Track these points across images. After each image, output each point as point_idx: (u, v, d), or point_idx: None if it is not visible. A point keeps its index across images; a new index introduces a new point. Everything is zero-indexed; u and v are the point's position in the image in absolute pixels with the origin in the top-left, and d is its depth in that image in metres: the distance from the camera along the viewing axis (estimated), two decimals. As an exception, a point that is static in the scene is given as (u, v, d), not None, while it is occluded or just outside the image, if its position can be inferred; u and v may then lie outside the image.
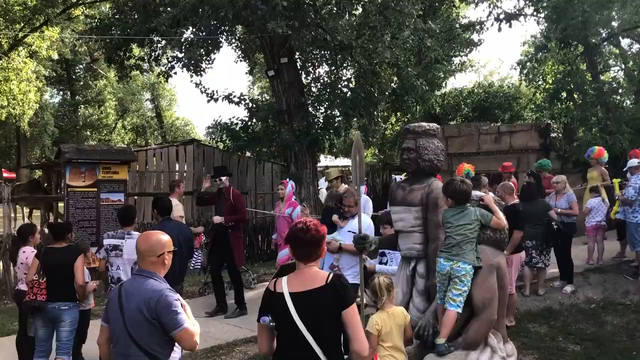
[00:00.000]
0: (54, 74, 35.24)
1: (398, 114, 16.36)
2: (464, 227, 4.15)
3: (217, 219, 8.31)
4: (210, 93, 11.76)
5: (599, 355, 6.48)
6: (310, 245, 3.07)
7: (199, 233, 9.02)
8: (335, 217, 6.34)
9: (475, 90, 19.45)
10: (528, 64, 17.30)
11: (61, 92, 39.76)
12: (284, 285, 2.99)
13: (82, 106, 38.57)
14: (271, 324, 3.01)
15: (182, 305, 3.18)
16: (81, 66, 37.49)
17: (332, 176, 9.14)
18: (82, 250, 5.66)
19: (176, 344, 3.21)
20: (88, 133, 39.50)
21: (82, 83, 38.25)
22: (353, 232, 5.51)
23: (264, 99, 20.11)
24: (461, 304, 4.06)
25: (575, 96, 14.92)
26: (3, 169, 37.95)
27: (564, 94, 15.04)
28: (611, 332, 7.27)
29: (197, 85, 11.43)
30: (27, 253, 5.99)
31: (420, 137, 4.84)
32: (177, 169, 16.46)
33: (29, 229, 6.33)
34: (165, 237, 3.38)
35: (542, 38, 16.76)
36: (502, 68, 75.87)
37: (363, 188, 8.98)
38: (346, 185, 8.49)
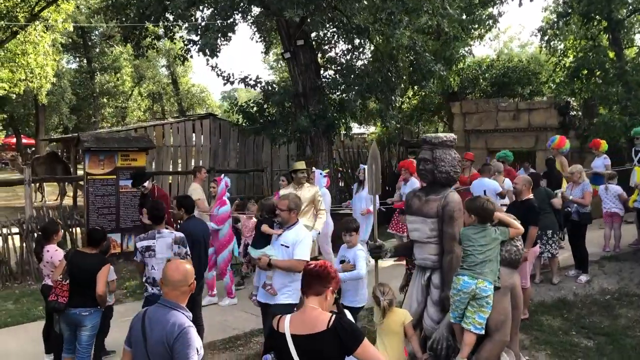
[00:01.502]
0: (70, 41, 35.27)
1: (415, 87, 16.16)
2: (486, 247, 4.18)
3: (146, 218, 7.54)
4: (227, 76, 11.73)
5: (612, 352, 6.51)
6: (314, 278, 3.13)
7: None
8: (265, 227, 5.68)
9: (495, 64, 19.10)
10: (549, 30, 16.91)
11: (77, 59, 39.82)
12: (286, 326, 3.02)
13: (99, 73, 38.63)
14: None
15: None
16: (97, 32, 37.38)
17: (295, 167, 8.42)
18: (108, 261, 5.74)
19: None
20: (105, 100, 39.69)
21: (97, 50, 38.22)
22: (286, 246, 5.27)
23: (281, 79, 19.93)
24: (484, 327, 4.13)
25: (597, 73, 14.60)
26: (22, 135, 38.52)
27: (585, 71, 14.72)
28: (625, 325, 7.28)
29: (212, 68, 11.39)
30: (52, 252, 6.12)
31: (437, 148, 4.84)
32: (193, 143, 16.59)
33: (53, 228, 6.44)
34: (190, 267, 3.45)
35: (564, 5, 16.31)
36: (523, 34, 74.41)
37: (325, 181, 8.95)
38: (308, 185, 8.23)
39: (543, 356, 6.42)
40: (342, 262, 5.85)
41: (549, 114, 14.62)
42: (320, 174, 8.98)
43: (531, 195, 7.27)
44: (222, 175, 9.27)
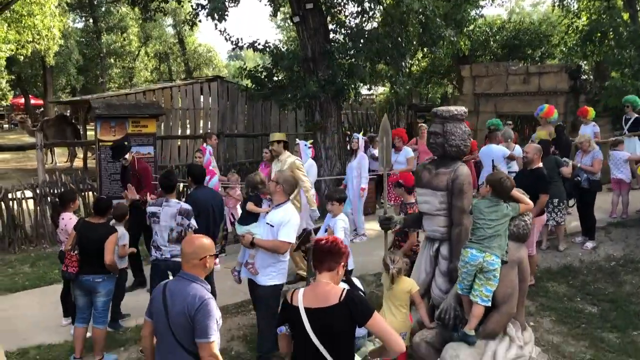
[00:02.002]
0: (76, 0, 34.90)
1: (425, 50, 16.00)
2: (496, 222, 4.26)
3: (131, 193, 7.55)
4: (235, 40, 11.64)
5: (616, 318, 6.64)
6: (326, 254, 3.22)
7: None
8: (250, 205, 5.50)
9: (506, 26, 18.80)
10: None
11: (83, 19, 39.40)
12: (300, 299, 3.14)
13: (105, 33, 38.30)
14: (288, 331, 3.24)
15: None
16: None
17: (274, 138, 8.21)
18: (115, 230, 5.83)
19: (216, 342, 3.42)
20: (112, 61, 39.48)
21: (103, 9, 37.77)
22: (271, 225, 5.12)
23: (288, 38, 19.66)
24: (490, 299, 4.24)
25: (610, 36, 14.37)
26: (30, 96, 38.51)
27: (598, 34, 14.48)
28: (629, 292, 7.40)
29: (221, 32, 11.29)
30: (66, 220, 6.26)
31: (448, 122, 4.87)
32: (201, 105, 16.61)
33: (70, 196, 6.56)
34: (207, 241, 3.54)
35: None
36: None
37: (310, 152, 8.84)
38: (288, 153, 8.04)
39: (547, 322, 6.57)
40: (326, 230, 5.98)
41: (560, 77, 14.47)
42: (305, 145, 8.76)
43: (541, 164, 7.29)
44: (205, 144, 9.12)
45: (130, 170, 7.89)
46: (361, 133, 10.57)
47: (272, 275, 5.19)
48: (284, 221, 5.08)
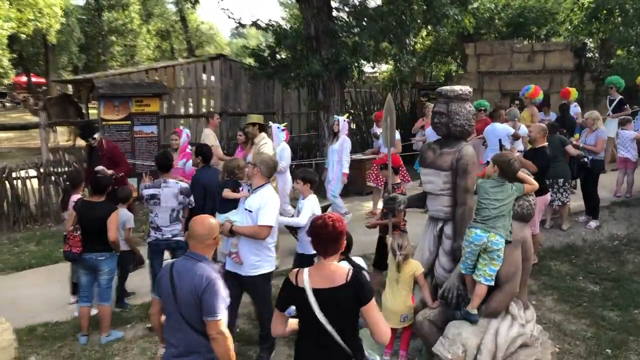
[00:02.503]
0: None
1: (429, 27, 15.86)
2: (501, 202, 4.26)
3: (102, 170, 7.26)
4: (238, 19, 11.58)
5: (617, 297, 6.68)
6: (328, 240, 3.20)
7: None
8: (226, 192, 5.36)
9: (511, 3, 18.58)
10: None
11: (84, -4, 39.13)
12: (305, 280, 3.15)
13: (106, 11, 38.05)
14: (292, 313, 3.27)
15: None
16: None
17: (250, 120, 8.12)
18: (115, 208, 5.85)
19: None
20: (114, 39, 39.30)
21: (104, -14, 37.53)
22: (249, 211, 4.91)
23: (291, 16, 19.46)
24: (494, 279, 4.28)
25: (616, 14, 14.21)
26: (33, 74, 38.42)
27: (604, 12, 14.32)
28: (632, 271, 7.44)
29: (224, 10, 11.25)
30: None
31: (452, 101, 4.84)
32: (204, 84, 16.55)
33: (79, 177, 6.60)
34: (215, 221, 3.60)
35: None
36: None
37: (283, 135, 8.59)
38: (264, 135, 7.96)
39: (549, 300, 6.63)
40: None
41: (565, 55, 14.38)
42: (278, 127, 8.56)
43: (545, 144, 7.27)
44: (181, 126, 8.80)
45: (99, 150, 7.78)
46: (345, 115, 10.28)
47: (257, 264, 4.95)
48: (262, 205, 4.84)
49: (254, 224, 4.87)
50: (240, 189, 5.43)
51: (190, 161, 7.86)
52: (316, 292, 3.11)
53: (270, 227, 4.86)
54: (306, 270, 3.23)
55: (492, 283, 4.28)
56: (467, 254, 4.34)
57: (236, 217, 5.01)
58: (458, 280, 4.61)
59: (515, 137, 9.07)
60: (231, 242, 5.01)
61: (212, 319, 3.32)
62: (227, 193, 5.36)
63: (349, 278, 3.12)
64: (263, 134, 7.96)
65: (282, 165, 7.89)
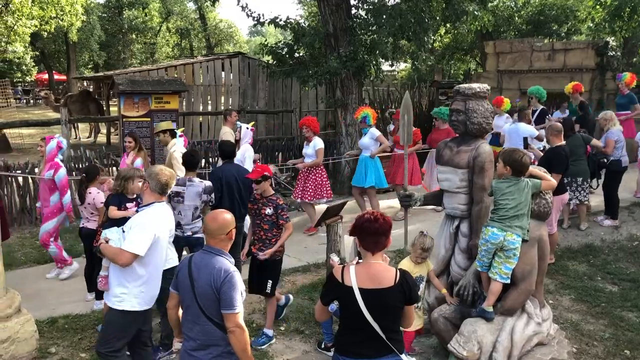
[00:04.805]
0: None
1: (447, 25, 15.80)
2: (517, 200, 4.24)
3: None
4: (257, 16, 11.62)
5: (636, 297, 6.62)
6: (377, 235, 3.22)
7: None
8: (111, 210, 4.99)
9: (531, 1, 18.43)
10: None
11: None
12: (353, 279, 3.18)
13: (127, 9, 38.44)
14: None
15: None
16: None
17: (160, 128, 7.85)
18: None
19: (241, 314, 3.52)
20: (133, 37, 39.66)
21: (125, -17, 37.92)
22: (123, 230, 4.26)
23: (310, 14, 19.50)
24: (509, 277, 4.27)
25: (640, 10, 14.03)
26: (54, 72, 38.93)
27: (627, 10, 14.14)
28: (651, 272, 7.38)
29: (243, 8, 11.29)
30: (94, 194, 6.38)
31: (470, 99, 4.85)
32: (223, 82, 16.65)
33: (95, 170, 6.68)
34: (229, 216, 3.62)
35: None
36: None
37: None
38: (174, 141, 7.69)
39: (567, 300, 6.58)
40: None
41: (586, 54, 14.20)
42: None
43: (563, 143, 7.22)
44: (57, 134, 8.13)
45: None
46: (251, 123, 9.48)
47: (122, 297, 4.16)
48: (134, 225, 4.11)
49: None
50: (131, 205, 5.14)
51: (62, 171, 7.19)
52: (363, 291, 3.16)
53: (132, 253, 4.03)
54: (352, 268, 3.26)
55: (508, 281, 4.28)
56: (483, 252, 4.34)
57: (112, 236, 4.30)
58: (474, 277, 4.61)
59: (539, 138, 8.98)
60: (103, 264, 4.50)
61: (231, 312, 3.37)
62: (113, 212, 5.07)
63: (397, 280, 3.18)
64: (174, 140, 7.71)
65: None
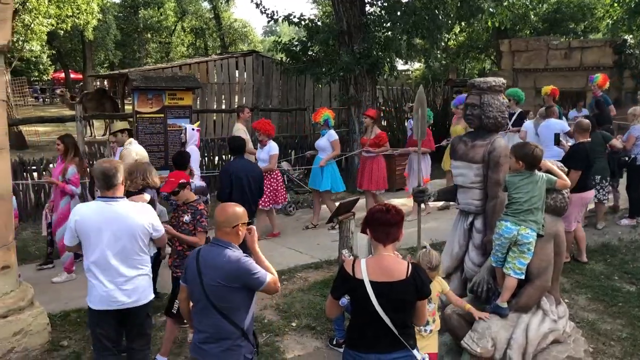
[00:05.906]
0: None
1: (462, 23, 15.71)
2: (531, 194, 4.16)
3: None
4: (271, 13, 11.62)
5: (654, 297, 6.52)
6: (389, 226, 3.19)
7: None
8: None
9: (547, -1, 18.26)
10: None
11: (121, -7, 39.91)
12: (364, 272, 3.14)
13: (142, 8, 38.73)
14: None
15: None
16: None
17: (115, 128, 7.64)
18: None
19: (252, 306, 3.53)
20: (149, 36, 39.96)
21: (140, -16, 38.22)
22: None
23: (323, 13, 19.45)
24: (524, 272, 4.20)
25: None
26: (70, 70, 39.30)
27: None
28: (670, 271, 7.24)
29: (257, 5, 11.29)
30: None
31: (485, 93, 4.77)
32: (237, 80, 16.67)
33: None
34: (239, 210, 3.58)
35: None
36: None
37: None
38: (133, 140, 7.46)
39: (583, 299, 6.48)
40: None
41: (603, 52, 14.06)
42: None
43: (585, 140, 7.14)
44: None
45: None
46: (196, 124, 9.16)
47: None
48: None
49: None
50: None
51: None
52: (374, 284, 3.11)
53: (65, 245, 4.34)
54: (363, 261, 3.22)
55: (522, 276, 4.20)
56: (497, 247, 4.27)
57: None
58: (488, 274, 4.54)
59: (570, 135, 8.85)
60: None
61: (264, 286, 3.41)
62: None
63: (409, 273, 3.13)
64: (131, 139, 7.45)
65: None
